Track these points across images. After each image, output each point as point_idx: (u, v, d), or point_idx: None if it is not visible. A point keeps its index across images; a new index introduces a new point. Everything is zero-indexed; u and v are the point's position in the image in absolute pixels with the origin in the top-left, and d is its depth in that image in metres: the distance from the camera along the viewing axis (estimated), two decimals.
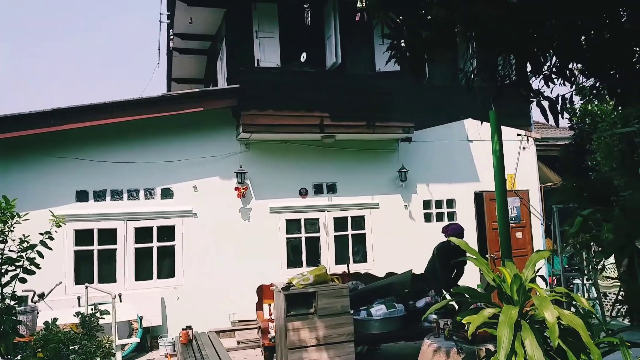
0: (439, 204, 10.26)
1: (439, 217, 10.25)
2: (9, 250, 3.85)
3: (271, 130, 8.76)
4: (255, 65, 8.79)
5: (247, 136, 8.88)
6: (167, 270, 8.67)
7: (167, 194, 8.74)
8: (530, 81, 4.97)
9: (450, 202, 10.31)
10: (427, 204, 10.19)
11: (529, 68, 4.89)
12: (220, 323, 8.55)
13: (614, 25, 4.41)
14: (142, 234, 8.56)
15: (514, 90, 4.74)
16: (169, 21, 10.45)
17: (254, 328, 8.32)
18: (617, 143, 3.32)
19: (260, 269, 8.73)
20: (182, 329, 7.04)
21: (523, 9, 4.51)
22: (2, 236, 3.75)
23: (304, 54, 8.71)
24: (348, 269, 8.26)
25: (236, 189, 8.92)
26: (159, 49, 12.11)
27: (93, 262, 8.25)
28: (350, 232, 9.73)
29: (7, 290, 3.76)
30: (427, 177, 10.15)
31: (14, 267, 3.83)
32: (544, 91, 5.14)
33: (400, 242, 9.79)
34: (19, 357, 3.79)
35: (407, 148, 10.06)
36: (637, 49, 4.42)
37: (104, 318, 4.36)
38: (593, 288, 6.18)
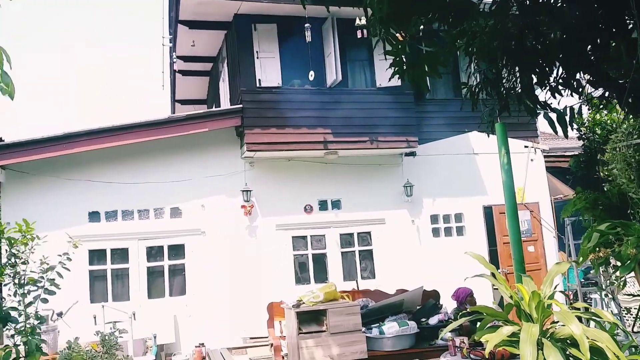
0: (446, 218, 10.18)
1: (448, 231, 10.15)
2: (30, 272, 3.96)
3: (274, 148, 8.77)
4: (257, 85, 8.83)
5: (252, 155, 8.88)
6: (179, 287, 8.69)
7: (176, 213, 8.77)
8: (536, 93, 4.95)
9: (459, 217, 10.22)
10: (434, 218, 10.11)
11: (534, 79, 4.87)
12: (232, 340, 8.48)
13: (621, 34, 4.40)
14: (154, 253, 8.64)
15: (520, 102, 4.71)
16: (171, 44, 10.54)
17: (265, 345, 8.23)
18: (634, 154, 3.26)
19: (268, 286, 8.69)
20: (195, 346, 7.01)
21: (525, 21, 4.51)
22: (23, 258, 3.87)
23: (312, 73, 8.74)
24: (357, 286, 8.17)
25: (242, 206, 8.91)
26: (163, 72, 12.20)
27: (107, 280, 8.34)
28: (357, 248, 9.65)
29: (30, 310, 3.86)
30: (434, 192, 10.08)
31: (36, 288, 3.95)
32: (551, 103, 5.13)
33: (408, 258, 9.69)
34: None
35: (412, 162, 10.02)
36: None
37: (122, 337, 4.42)
38: (612, 303, 6.03)
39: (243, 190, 8.88)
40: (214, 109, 10.77)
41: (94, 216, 8.39)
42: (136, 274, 8.44)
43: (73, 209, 8.24)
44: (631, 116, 3.52)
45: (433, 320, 6.16)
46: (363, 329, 5.44)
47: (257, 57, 8.92)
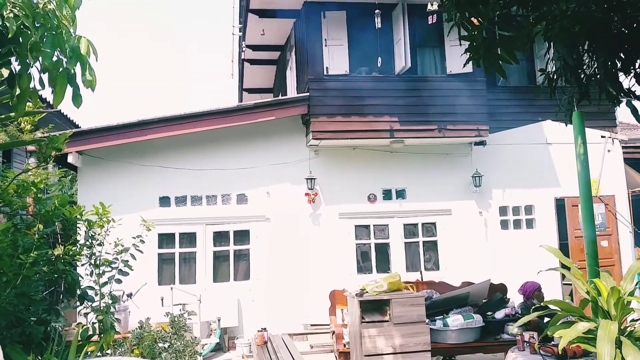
0: (516, 210, 9.83)
1: (517, 224, 9.81)
2: (105, 253, 4.17)
3: (340, 136, 8.80)
4: (325, 73, 8.87)
5: (317, 143, 8.97)
6: (243, 272, 8.96)
7: (242, 199, 9.03)
8: (620, 79, 4.66)
9: (529, 209, 9.84)
10: (503, 210, 9.79)
11: (618, 66, 4.59)
12: (293, 326, 8.67)
13: None
14: (220, 238, 8.93)
15: (602, 90, 4.46)
16: (241, 33, 10.80)
17: (326, 332, 8.35)
18: None
19: (330, 274, 8.78)
20: (258, 331, 7.21)
21: (611, 4, 4.25)
22: (99, 240, 4.07)
23: (380, 59, 8.67)
24: (422, 277, 8.10)
25: (306, 194, 9.04)
26: (232, 61, 12.54)
27: (175, 264, 8.72)
28: (421, 238, 9.54)
29: (105, 289, 4.09)
30: (504, 183, 9.75)
31: (110, 269, 4.16)
32: (635, 90, 4.82)
33: (474, 250, 9.47)
34: (117, 352, 4.06)
35: (481, 152, 9.74)
36: None
37: (191, 319, 4.61)
38: None
39: (307, 178, 8.99)
40: (280, 97, 10.95)
41: (164, 201, 8.79)
42: (202, 258, 8.77)
43: (145, 194, 8.65)
44: None
45: (499, 315, 6.00)
46: (427, 320, 5.39)
47: (326, 45, 8.95)
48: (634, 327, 2.57)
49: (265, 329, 7.41)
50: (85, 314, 4.16)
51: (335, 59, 8.87)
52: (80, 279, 4.00)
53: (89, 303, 4.04)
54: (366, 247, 9.40)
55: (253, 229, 9.00)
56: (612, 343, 2.37)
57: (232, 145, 9.05)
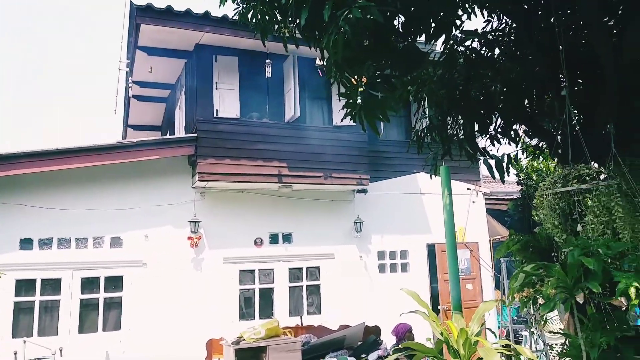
0: (392, 255, 10.40)
1: (393, 268, 10.36)
2: None
3: (228, 179, 8.76)
4: (214, 115, 8.89)
5: (203, 185, 8.83)
6: (114, 322, 8.31)
7: (116, 242, 8.49)
8: (477, 140, 5.28)
9: (404, 254, 10.47)
10: (381, 254, 10.31)
11: (476, 128, 5.21)
12: None
13: (555, 91, 4.79)
14: (89, 284, 8.22)
15: (461, 148, 5.01)
16: (128, 69, 10.48)
17: None
18: (558, 201, 3.54)
19: (211, 322, 8.49)
20: None
21: (470, 73, 4.85)
22: None
23: (267, 107, 8.91)
24: (301, 322, 8.15)
25: (189, 238, 8.76)
26: (116, 96, 12.03)
27: (34, 313, 7.82)
28: (305, 282, 9.66)
29: None
30: (382, 228, 10.32)
31: None
32: (490, 150, 5.47)
33: (354, 293, 9.79)
34: None
35: (363, 199, 10.25)
36: (576, 112, 4.81)
37: None
38: (540, 340, 6.37)
39: (191, 221, 8.76)
40: (166, 136, 10.69)
41: (26, 243, 7.95)
42: (67, 306, 7.99)
43: (3, 236, 7.79)
44: (561, 165, 3.84)
45: (373, 356, 6.23)
46: None
47: (217, 88, 9.01)
48: None
49: None
50: None
51: (226, 102, 8.95)
52: None
53: None
54: (250, 293, 9.28)
55: (127, 274, 8.44)
56: None
57: (111, 184, 8.55)
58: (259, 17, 4.12)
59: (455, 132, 5.06)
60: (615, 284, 3.03)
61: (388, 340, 6.81)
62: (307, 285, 9.67)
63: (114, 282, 8.37)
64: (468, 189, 11.10)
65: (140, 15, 8.22)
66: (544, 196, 3.60)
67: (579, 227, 3.48)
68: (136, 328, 8.29)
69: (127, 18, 9.03)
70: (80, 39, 44.14)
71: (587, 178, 3.47)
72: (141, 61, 9.58)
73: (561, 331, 4.78)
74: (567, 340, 3.80)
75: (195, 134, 8.69)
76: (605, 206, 3.35)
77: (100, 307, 8.22)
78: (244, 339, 5.17)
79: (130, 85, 10.84)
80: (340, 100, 8.27)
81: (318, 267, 9.82)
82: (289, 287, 9.51)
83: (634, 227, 3.56)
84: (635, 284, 2.95)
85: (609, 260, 3.31)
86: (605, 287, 3.30)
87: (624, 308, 3.50)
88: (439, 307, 10.11)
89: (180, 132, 9.97)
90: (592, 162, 3.80)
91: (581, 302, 3.31)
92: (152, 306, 8.42)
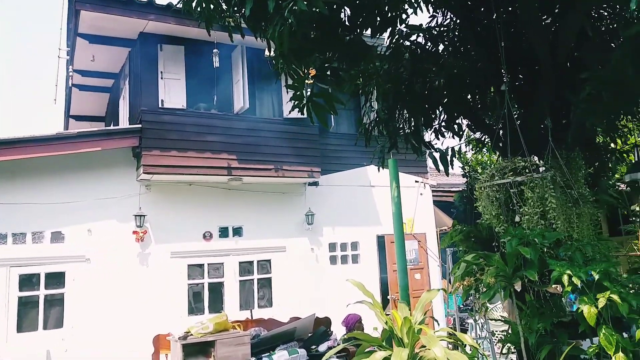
0: (343, 246, 10.50)
1: (344, 259, 10.46)
2: None
3: (175, 171, 8.54)
4: (160, 105, 8.63)
5: (148, 177, 8.57)
6: (55, 320, 7.97)
7: (57, 237, 8.12)
8: (423, 134, 5.39)
9: (355, 245, 10.59)
10: (332, 246, 10.38)
11: (421, 121, 5.31)
12: None
13: (497, 86, 4.95)
14: (28, 281, 7.84)
15: (407, 142, 5.10)
16: (69, 57, 10.00)
17: None
18: (495, 193, 3.67)
19: (159, 317, 8.29)
20: None
21: (415, 68, 4.93)
22: None
23: (215, 97, 8.74)
24: (251, 315, 8.10)
25: (134, 232, 8.50)
26: (56, 85, 11.49)
27: None
28: (256, 276, 9.59)
29: None
30: (333, 221, 10.38)
31: None
32: (435, 143, 5.60)
33: (306, 285, 9.81)
34: None
35: (314, 192, 10.27)
36: (517, 106, 4.99)
37: None
38: (484, 328, 6.59)
39: (136, 215, 8.49)
40: (109, 127, 10.31)
41: None
42: (4, 305, 7.59)
43: None
44: (502, 158, 3.97)
45: (323, 347, 6.27)
46: (253, 359, 5.39)
47: (162, 78, 8.75)
48: (423, 353, 2.89)
49: None
50: None
51: (172, 92, 8.71)
52: None
53: None
54: (199, 287, 9.12)
55: (70, 270, 8.11)
56: None
57: (51, 177, 8.15)
58: (204, 5, 4.02)
59: (401, 126, 5.14)
60: (551, 272, 3.17)
61: (339, 331, 6.88)
62: (258, 279, 9.60)
63: (56, 279, 8.04)
64: (416, 181, 11.33)
65: (80, 0, 7.85)
66: (482, 188, 3.71)
67: (517, 218, 3.62)
68: (80, 325, 7.99)
69: (66, 3, 8.57)
70: (17, 24, 41.83)
71: (524, 170, 3.61)
72: (82, 49, 9.17)
73: (502, 318, 4.99)
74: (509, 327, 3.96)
75: (140, 125, 8.41)
76: (539, 197, 3.49)
77: (40, 304, 7.86)
78: (192, 334, 5.08)
79: (71, 74, 10.37)
80: (288, 92, 8.25)
81: (269, 261, 9.78)
82: (240, 281, 9.42)
83: (569, 218, 3.74)
84: (568, 271, 3.09)
85: (545, 250, 3.47)
86: (544, 275, 3.45)
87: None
88: (388, 297, 10.32)
89: (124, 123, 9.63)
90: (532, 156, 3.95)
91: (520, 290, 3.44)
92: (96, 302, 8.13)
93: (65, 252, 8.09)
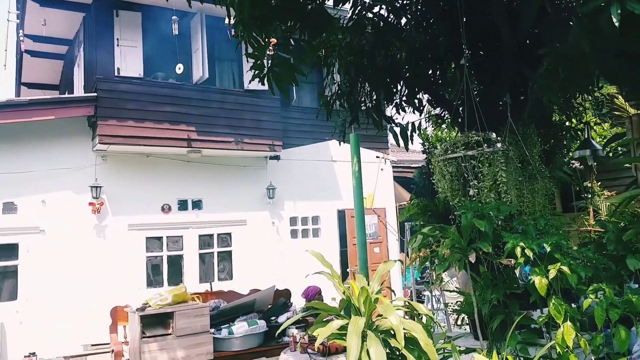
0: (304, 220, 10.55)
1: (305, 233, 10.53)
2: None
3: (131, 142, 8.31)
4: (116, 74, 8.33)
5: (104, 148, 8.32)
6: (9, 292, 7.79)
7: (10, 208, 7.84)
8: (384, 108, 5.40)
9: (316, 219, 10.65)
10: (293, 220, 10.42)
11: (382, 96, 5.32)
12: (71, 348, 7.83)
13: (457, 61, 4.99)
14: None
15: (368, 116, 5.11)
16: (19, 20, 9.45)
17: (107, 352, 7.73)
18: (448, 167, 3.74)
19: (116, 290, 8.16)
20: (25, 357, 6.35)
21: (377, 41, 4.91)
22: None
23: (180, 66, 8.48)
24: (211, 287, 8.08)
25: (91, 204, 8.28)
26: (6, 50, 10.89)
27: None
28: (216, 249, 9.54)
29: None
30: (295, 195, 10.39)
31: None
32: (396, 118, 5.63)
33: (266, 259, 9.85)
34: None
35: (275, 166, 10.22)
36: (477, 82, 5.05)
37: None
38: (440, 299, 6.84)
39: (92, 186, 8.25)
40: (64, 95, 9.90)
41: None
42: None
43: None
44: (459, 133, 4.04)
45: (282, 318, 6.34)
46: (212, 330, 5.40)
47: (118, 45, 8.43)
48: (379, 322, 2.96)
49: (34, 353, 6.56)
50: None
51: (128, 60, 8.41)
52: None
53: None
54: (158, 260, 9.01)
55: (23, 242, 7.88)
56: (359, 336, 2.70)
57: (2, 146, 7.83)
58: None
59: (363, 99, 5.14)
60: (505, 245, 3.28)
61: (299, 303, 6.96)
62: (218, 252, 9.57)
63: (8, 250, 7.83)
64: (377, 156, 11.44)
65: None
66: (437, 162, 3.78)
67: (472, 192, 3.71)
68: (34, 298, 7.82)
69: None
70: None
71: (475, 145, 3.68)
72: (33, 13, 8.71)
73: (457, 289, 5.16)
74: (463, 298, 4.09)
75: (95, 94, 8.12)
76: (491, 172, 3.58)
77: None
78: (150, 306, 5.04)
79: (21, 38, 9.85)
80: (249, 62, 8.10)
81: (230, 234, 9.73)
82: (199, 254, 9.36)
83: (521, 193, 3.86)
84: (521, 243, 3.20)
85: (500, 223, 3.57)
86: (498, 247, 3.56)
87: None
88: (348, 270, 10.49)
89: (79, 91, 9.27)
90: (490, 131, 4.03)
91: (474, 262, 3.55)
92: (52, 274, 7.96)
93: (18, 223, 7.86)
